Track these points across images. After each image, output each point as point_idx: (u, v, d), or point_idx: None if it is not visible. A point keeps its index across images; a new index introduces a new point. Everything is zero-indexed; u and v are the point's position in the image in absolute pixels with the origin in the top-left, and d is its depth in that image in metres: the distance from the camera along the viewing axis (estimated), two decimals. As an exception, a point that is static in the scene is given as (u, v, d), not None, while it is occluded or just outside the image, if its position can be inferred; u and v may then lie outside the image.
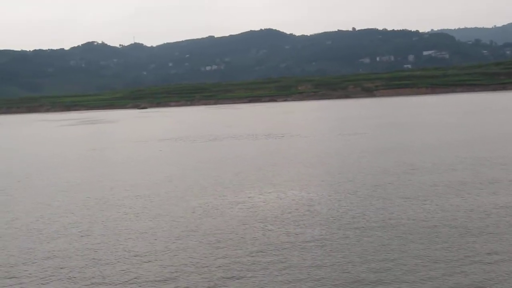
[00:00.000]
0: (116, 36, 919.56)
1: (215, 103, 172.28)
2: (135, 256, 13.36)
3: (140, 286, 11.42)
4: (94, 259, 13.31)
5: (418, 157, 28.30)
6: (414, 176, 22.64)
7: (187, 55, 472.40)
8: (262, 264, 12.34)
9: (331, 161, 28.73)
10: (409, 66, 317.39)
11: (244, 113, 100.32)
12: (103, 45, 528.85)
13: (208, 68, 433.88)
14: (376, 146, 34.77)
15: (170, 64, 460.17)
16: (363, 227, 15.07)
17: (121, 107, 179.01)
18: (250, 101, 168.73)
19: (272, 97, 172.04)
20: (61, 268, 12.75)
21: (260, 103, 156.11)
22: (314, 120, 70.05)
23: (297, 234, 14.67)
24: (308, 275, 11.51)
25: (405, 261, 12.05)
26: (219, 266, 12.30)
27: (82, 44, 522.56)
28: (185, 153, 37.38)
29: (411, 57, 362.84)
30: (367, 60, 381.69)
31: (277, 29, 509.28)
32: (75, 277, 12.08)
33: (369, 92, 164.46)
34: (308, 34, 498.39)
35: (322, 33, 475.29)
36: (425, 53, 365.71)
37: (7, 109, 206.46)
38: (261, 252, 13.24)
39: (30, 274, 12.47)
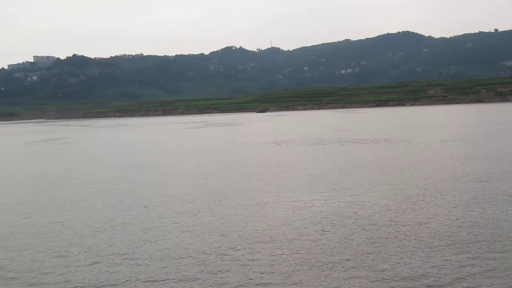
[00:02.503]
0: (254, 40, 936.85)
1: (342, 107, 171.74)
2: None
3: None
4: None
5: (505, 166, 27.66)
6: (481, 184, 22.48)
7: (323, 59, 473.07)
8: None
9: (409, 167, 28.80)
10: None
11: (364, 118, 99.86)
12: (241, 49, 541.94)
13: (343, 71, 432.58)
14: (468, 153, 34.12)
15: (306, 68, 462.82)
16: (387, 230, 15.68)
17: (250, 110, 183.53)
18: (377, 105, 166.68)
19: (399, 102, 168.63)
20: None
21: (387, 108, 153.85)
22: (427, 125, 68.55)
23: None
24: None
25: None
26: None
27: (221, 49, 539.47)
28: (278, 155, 38.65)
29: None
30: (510, 63, 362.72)
31: (415, 31, 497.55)
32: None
33: (502, 96, 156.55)
34: (447, 36, 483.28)
35: (462, 34, 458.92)
36: None
37: (145, 112, 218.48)
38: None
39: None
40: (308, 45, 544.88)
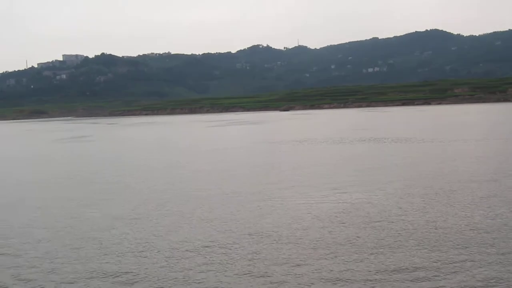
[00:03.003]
0: (281, 39, 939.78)
1: (367, 106, 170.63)
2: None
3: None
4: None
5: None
6: (495, 184, 22.50)
7: (350, 57, 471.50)
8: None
9: (426, 166, 28.87)
10: None
11: (388, 116, 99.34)
12: (268, 48, 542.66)
13: (370, 70, 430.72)
14: (487, 152, 34.14)
15: (333, 66, 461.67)
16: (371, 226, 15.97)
17: (275, 109, 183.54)
18: (403, 104, 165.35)
19: (425, 100, 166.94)
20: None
21: (413, 106, 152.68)
22: (451, 124, 68.04)
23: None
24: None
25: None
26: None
27: (248, 48, 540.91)
28: (297, 154, 39.01)
29: None
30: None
31: (444, 30, 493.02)
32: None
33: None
34: (476, 34, 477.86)
35: (491, 33, 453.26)
36: None
37: (171, 110, 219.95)
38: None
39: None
40: (335, 43, 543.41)
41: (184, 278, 12.38)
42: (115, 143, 64.00)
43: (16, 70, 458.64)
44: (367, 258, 13.15)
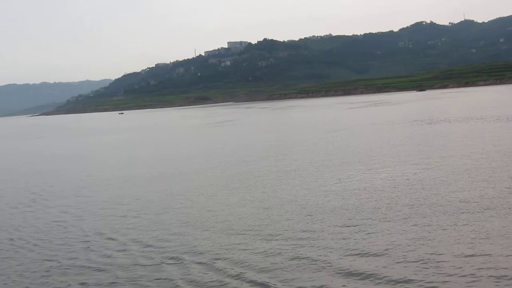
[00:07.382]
0: (446, 14, 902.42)
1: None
2: None
3: None
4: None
5: None
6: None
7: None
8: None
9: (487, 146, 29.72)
10: None
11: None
12: (432, 24, 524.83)
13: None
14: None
15: (501, 40, 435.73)
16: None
17: (429, 88, 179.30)
18: None
19: None
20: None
21: None
22: None
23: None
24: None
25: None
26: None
27: (410, 25, 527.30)
28: (400, 134, 40.75)
29: None
30: None
31: None
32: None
33: None
34: None
35: None
36: None
37: (325, 92, 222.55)
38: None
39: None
40: (505, 15, 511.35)
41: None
42: (254, 127, 69.18)
43: (185, 59, 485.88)
44: (380, 223, 16.05)
